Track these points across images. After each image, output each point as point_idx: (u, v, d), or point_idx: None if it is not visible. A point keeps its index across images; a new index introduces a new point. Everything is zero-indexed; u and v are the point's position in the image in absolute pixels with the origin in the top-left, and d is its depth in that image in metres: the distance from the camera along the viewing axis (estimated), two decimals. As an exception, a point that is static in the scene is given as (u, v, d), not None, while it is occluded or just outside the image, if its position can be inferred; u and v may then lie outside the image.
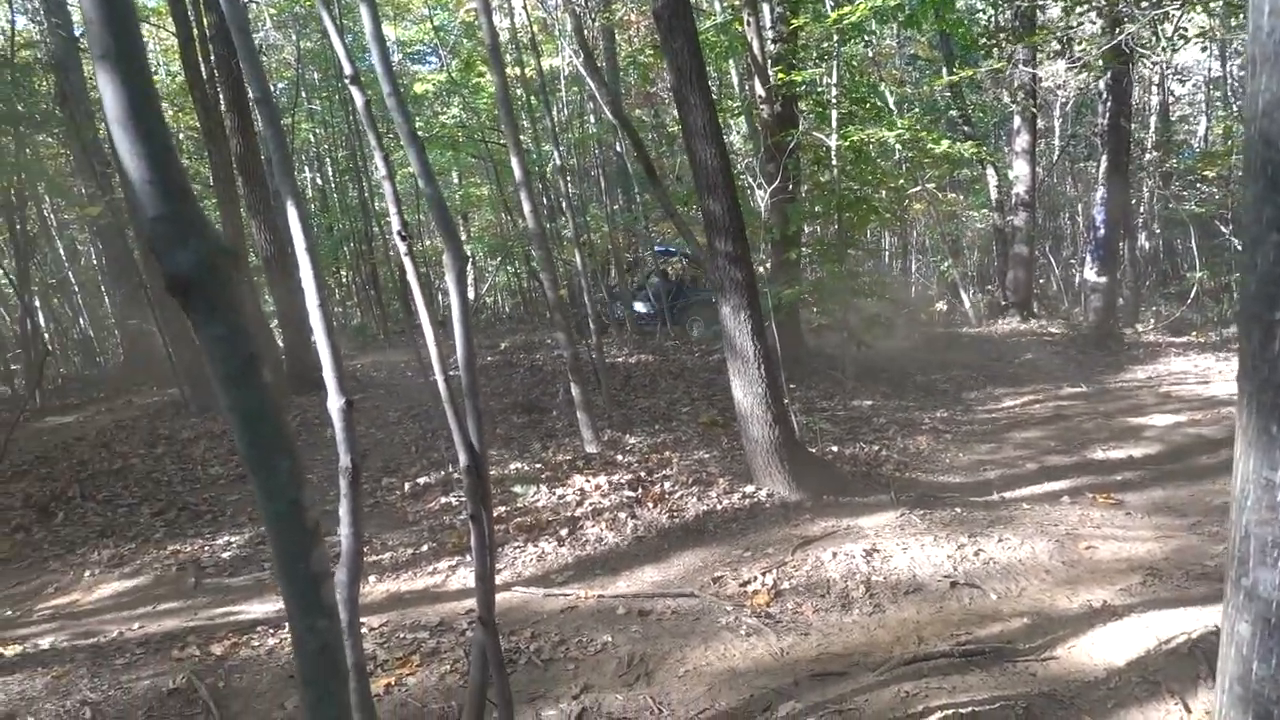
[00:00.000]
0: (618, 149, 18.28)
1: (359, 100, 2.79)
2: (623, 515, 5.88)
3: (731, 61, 14.82)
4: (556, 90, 14.81)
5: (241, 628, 4.71)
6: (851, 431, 8.11)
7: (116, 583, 5.63)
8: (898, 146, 11.42)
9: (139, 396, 13.48)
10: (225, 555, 5.93)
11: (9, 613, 5.32)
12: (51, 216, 19.74)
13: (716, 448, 7.40)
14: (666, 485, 6.31)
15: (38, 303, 17.47)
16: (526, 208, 6.96)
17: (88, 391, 15.22)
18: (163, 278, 1.09)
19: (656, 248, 18.49)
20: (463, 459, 2.81)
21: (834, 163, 10.56)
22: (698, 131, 5.86)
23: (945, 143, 11.52)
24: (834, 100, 10.68)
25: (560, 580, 5.20)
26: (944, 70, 17.83)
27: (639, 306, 16.39)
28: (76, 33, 15.03)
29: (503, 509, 6.30)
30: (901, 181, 14.38)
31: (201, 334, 1.10)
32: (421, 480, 7.04)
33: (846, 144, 10.31)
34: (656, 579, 5.14)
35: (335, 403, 2.82)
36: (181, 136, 23.67)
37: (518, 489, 6.52)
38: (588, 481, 6.55)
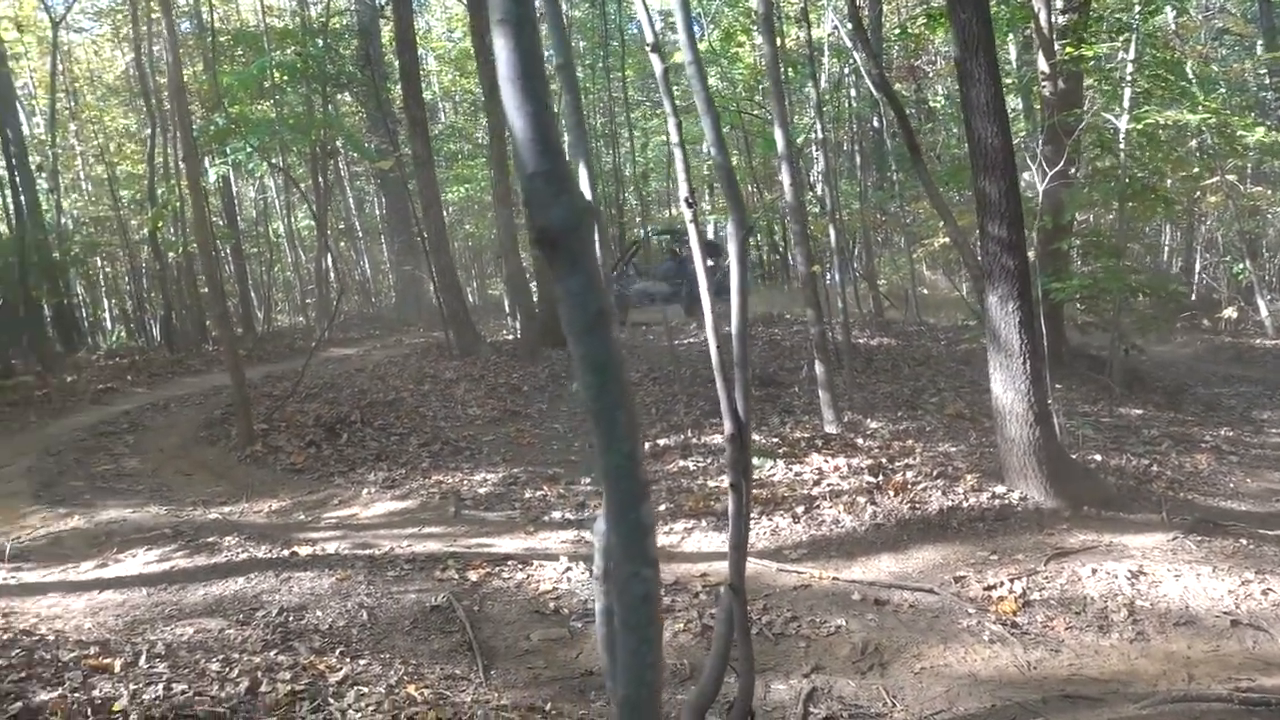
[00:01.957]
0: (875, 124, 17.67)
1: (658, 68, 2.86)
2: (861, 500, 5.75)
3: (1010, 35, 13.85)
4: (820, 62, 14.52)
5: (494, 559, 5.06)
6: (1117, 441, 7.45)
7: (389, 503, 6.23)
8: (1201, 131, 10.23)
9: (408, 336, 14.80)
10: (481, 491, 6.40)
11: (301, 517, 6.05)
12: (344, 169, 21.95)
13: (963, 442, 7.05)
14: (909, 475, 6.09)
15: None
16: (786, 180, 6.89)
17: (364, 328, 16.93)
18: (532, 231, 1.16)
19: (653, 229, 17.47)
20: (728, 428, 2.84)
21: (1121, 147, 9.64)
22: (980, 107, 5.53)
23: (1260, 130, 10.19)
24: (1129, 78, 9.71)
25: (793, 557, 5.18)
26: (1258, 46, 15.74)
27: (645, 288, 15.64)
28: (380, 2, 16.49)
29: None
30: (1196, 170, 12.90)
31: (562, 286, 1.16)
32: (661, 442, 7.24)
33: (1139, 127, 9.36)
34: (893, 569, 5.00)
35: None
36: (456, 99, 25.45)
37: (755, 461, 6.53)
38: (826, 462, 6.46)
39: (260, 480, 6.86)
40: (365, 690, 3.62)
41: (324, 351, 12.57)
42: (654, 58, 2.85)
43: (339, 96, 17.98)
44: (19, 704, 3.25)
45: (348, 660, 3.93)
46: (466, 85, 24.69)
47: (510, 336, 13.07)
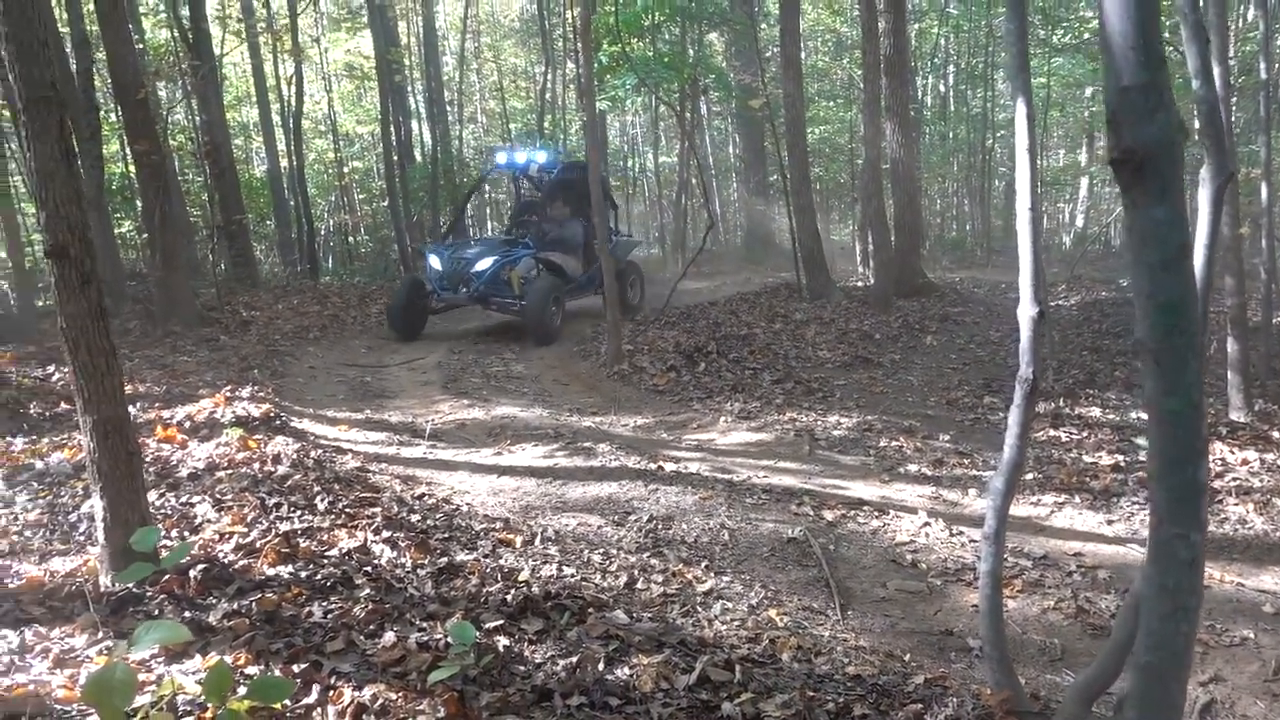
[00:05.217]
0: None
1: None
2: (1278, 502, 4.98)
3: None
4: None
5: (849, 503, 5.05)
6: None
7: (745, 433, 6.42)
8: None
9: (755, 275, 15.05)
10: (835, 433, 6.38)
11: (664, 435, 6.42)
12: (705, 108, 22.54)
13: None
14: (1345, 481, 5.17)
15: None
16: (1220, 127, 5.96)
17: (713, 265, 17.45)
18: (1115, 150, 1.07)
19: (533, 162, 10.76)
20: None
21: None
22: None
23: None
24: None
25: (1187, 552, 4.62)
26: None
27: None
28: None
29: (1120, 458, 5.76)
30: None
31: (1140, 214, 1.06)
32: (1028, 407, 6.76)
33: None
34: (1318, 588, 4.29)
35: (1028, 310, 2.75)
36: (820, 39, 25.02)
37: (1141, 441, 5.89)
38: (1231, 453, 5.67)
39: (626, 396, 7.38)
40: (730, 605, 3.79)
41: (678, 284, 13.16)
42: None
43: (707, 37, 18.41)
44: (444, 559, 3.79)
45: (712, 575, 4.13)
46: (831, 24, 24.18)
47: (860, 284, 12.81)
